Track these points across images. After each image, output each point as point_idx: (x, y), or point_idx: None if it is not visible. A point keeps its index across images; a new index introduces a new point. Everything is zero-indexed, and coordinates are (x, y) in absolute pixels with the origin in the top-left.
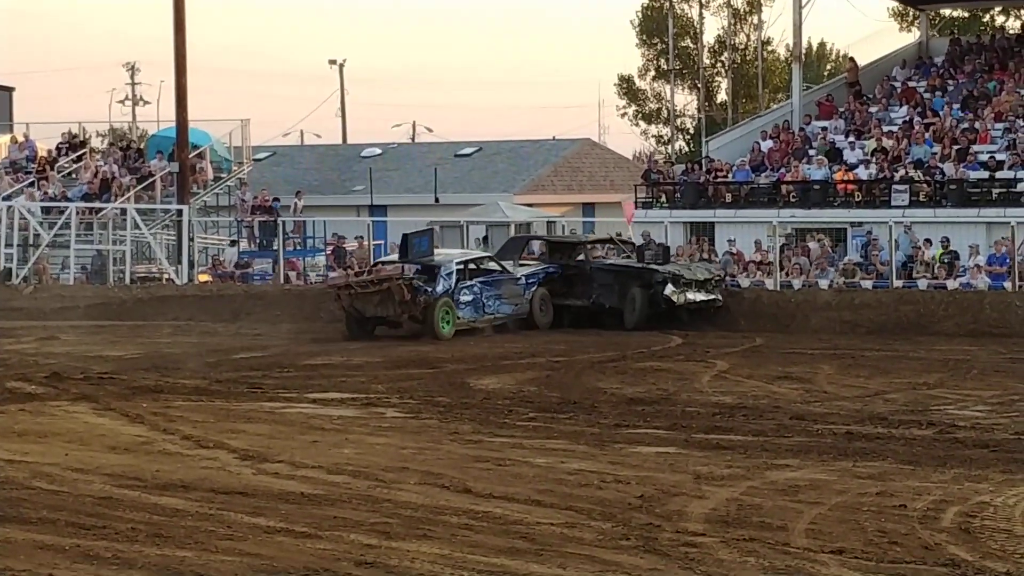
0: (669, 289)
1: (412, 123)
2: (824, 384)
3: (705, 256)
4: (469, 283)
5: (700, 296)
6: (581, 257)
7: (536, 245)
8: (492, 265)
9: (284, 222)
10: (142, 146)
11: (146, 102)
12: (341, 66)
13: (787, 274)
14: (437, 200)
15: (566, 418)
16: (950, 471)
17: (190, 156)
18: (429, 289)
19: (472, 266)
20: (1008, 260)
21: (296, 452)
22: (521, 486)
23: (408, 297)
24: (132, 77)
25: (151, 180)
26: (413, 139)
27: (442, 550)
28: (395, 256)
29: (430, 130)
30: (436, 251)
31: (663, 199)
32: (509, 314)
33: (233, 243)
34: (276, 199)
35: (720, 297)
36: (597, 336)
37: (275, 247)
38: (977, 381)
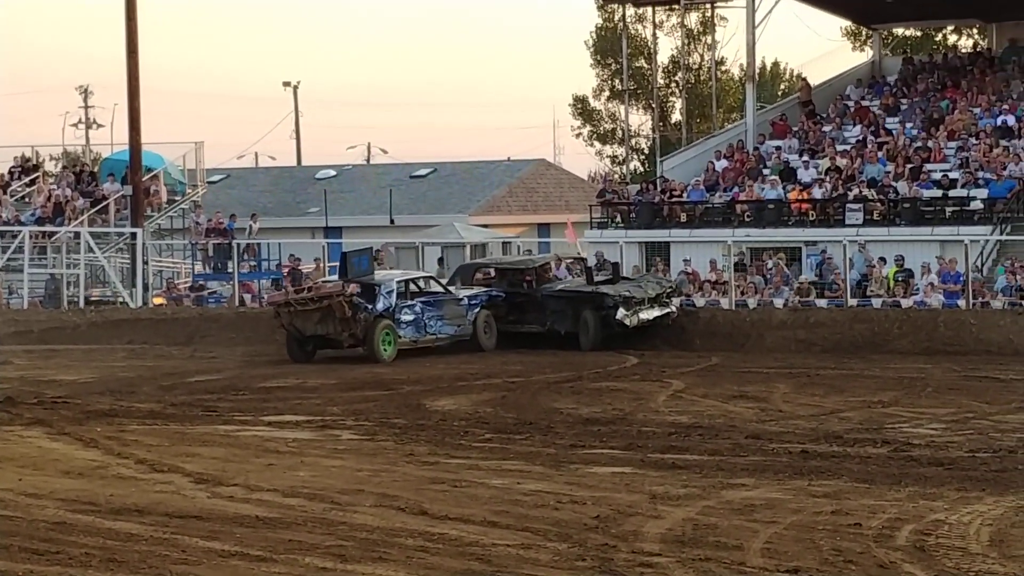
0: (621, 313)
1: (367, 145)
2: (779, 403)
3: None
4: (410, 303)
5: (654, 313)
6: (531, 282)
7: (491, 271)
8: (435, 286)
9: (239, 244)
10: (95, 169)
11: (100, 125)
12: (295, 88)
13: (742, 293)
14: (392, 221)
15: (522, 439)
16: (905, 489)
17: (144, 179)
18: (370, 307)
19: (414, 286)
20: (962, 278)
21: (251, 475)
22: (477, 507)
23: (349, 314)
24: (85, 100)
25: (105, 203)
26: (368, 160)
27: (398, 572)
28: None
29: (385, 151)
30: (379, 271)
31: (618, 219)
32: (451, 335)
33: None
34: (232, 216)
35: (674, 309)
36: (553, 356)
37: (230, 269)
38: (931, 399)
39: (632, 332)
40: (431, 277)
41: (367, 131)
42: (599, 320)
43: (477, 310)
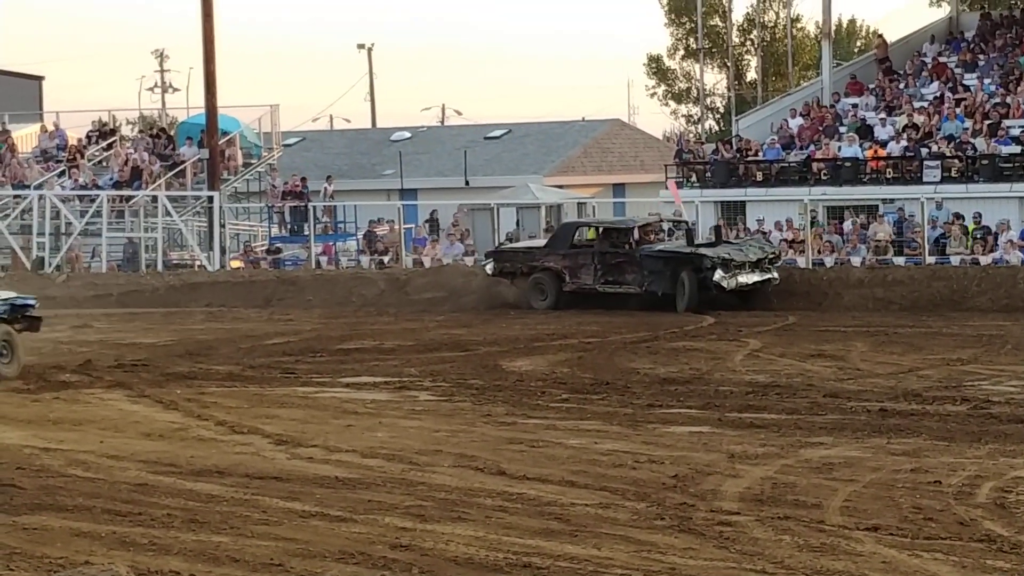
0: (718, 275)
1: (441, 106)
2: (857, 361)
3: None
4: None
5: (754, 277)
6: (633, 242)
7: (583, 231)
8: None
9: (315, 207)
10: (172, 133)
11: (175, 89)
12: (369, 50)
13: (818, 252)
14: (467, 183)
15: (599, 399)
16: (985, 447)
17: (220, 142)
18: None
19: None
20: None
21: (330, 436)
22: (555, 467)
23: None
24: (161, 64)
25: (181, 167)
26: (443, 122)
27: (477, 532)
28: None
29: (459, 113)
30: None
31: (694, 179)
32: None
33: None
34: (303, 178)
35: (776, 275)
36: (629, 317)
37: (306, 232)
38: (1011, 356)
39: (729, 295)
40: None
41: (441, 93)
42: (697, 282)
43: None
